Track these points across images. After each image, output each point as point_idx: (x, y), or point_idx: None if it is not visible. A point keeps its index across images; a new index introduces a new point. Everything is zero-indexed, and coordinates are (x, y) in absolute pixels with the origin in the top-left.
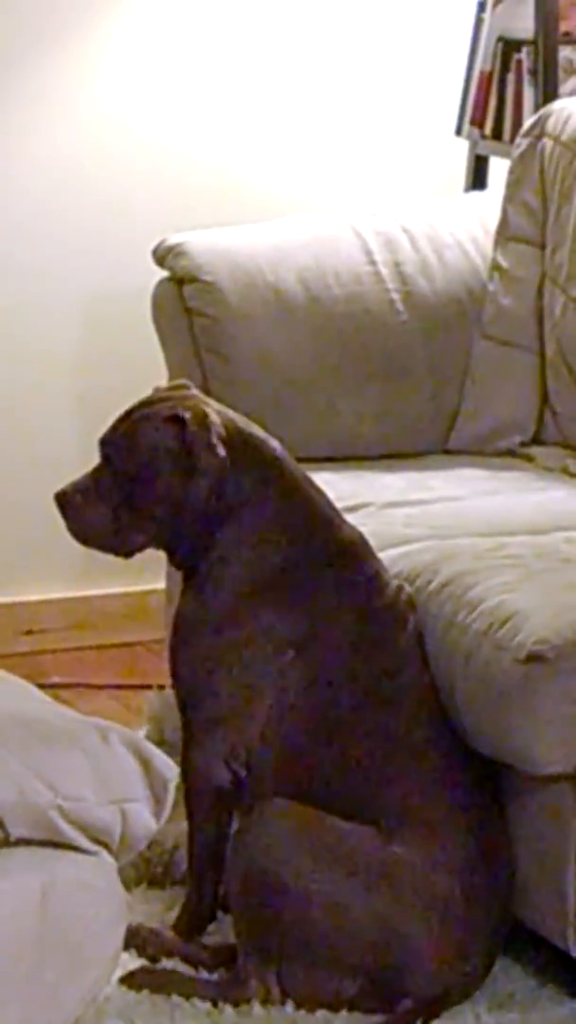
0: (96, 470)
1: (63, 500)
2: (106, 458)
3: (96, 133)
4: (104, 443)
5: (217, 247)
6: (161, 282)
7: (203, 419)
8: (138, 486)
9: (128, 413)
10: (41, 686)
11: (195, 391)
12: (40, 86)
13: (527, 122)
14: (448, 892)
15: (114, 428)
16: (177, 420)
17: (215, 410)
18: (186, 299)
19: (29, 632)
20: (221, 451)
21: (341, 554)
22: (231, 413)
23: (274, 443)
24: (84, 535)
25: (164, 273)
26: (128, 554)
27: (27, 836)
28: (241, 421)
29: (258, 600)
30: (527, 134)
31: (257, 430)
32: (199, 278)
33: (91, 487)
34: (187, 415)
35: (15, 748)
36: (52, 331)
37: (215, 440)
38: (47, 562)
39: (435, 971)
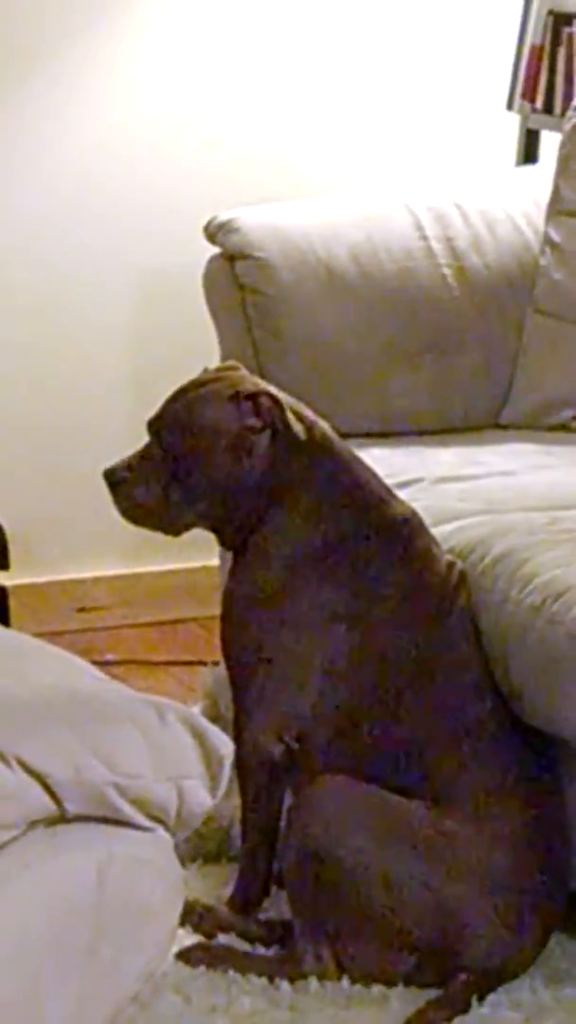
0: (146, 449)
1: (112, 478)
2: (157, 437)
3: (148, 109)
4: (156, 423)
5: (269, 223)
6: (213, 259)
7: (275, 398)
8: (192, 465)
9: (180, 393)
10: (95, 663)
11: (245, 371)
12: (91, 61)
13: None
14: (503, 866)
15: (167, 408)
16: (243, 399)
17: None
18: (238, 275)
19: (83, 609)
20: (299, 427)
21: (391, 529)
22: (282, 394)
23: (323, 423)
24: (133, 513)
25: (216, 250)
26: (177, 532)
27: (84, 813)
28: (292, 401)
29: (307, 574)
30: None
31: (307, 410)
32: (251, 254)
33: (140, 465)
34: (260, 394)
35: (71, 725)
36: (104, 308)
37: (290, 417)
38: (100, 539)
39: (491, 945)
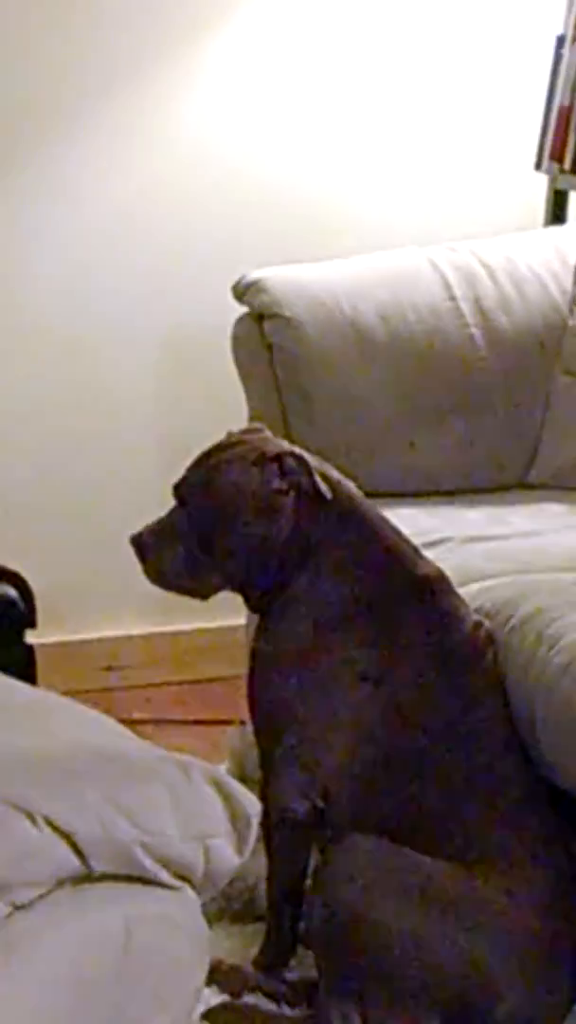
0: (172, 513)
1: (139, 544)
2: (182, 501)
3: (175, 169)
4: (181, 487)
5: (297, 282)
6: (241, 318)
7: (302, 459)
8: (219, 529)
9: (205, 456)
10: (122, 722)
11: (269, 433)
12: (119, 121)
13: None
14: (530, 926)
15: (192, 471)
16: (268, 461)
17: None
18: (266, 335)
19: (110, 668)
20: (327, 488)
21: (419, 590)
22: (307, 455)
23: (349, 483)
24: (161, 578)
25: (244, 309)
26: (206, 596)
27: (110, 871)
28: (317, 462)
29: (335, 634)
30: None
31: (333, 471)
32: (279, 314)
33: (167, 530)
34: (285, 455)
35: (98, 783)
36: (131, 368)
37: (316, 478)
38: (127, 598)
39: (518, 1006)
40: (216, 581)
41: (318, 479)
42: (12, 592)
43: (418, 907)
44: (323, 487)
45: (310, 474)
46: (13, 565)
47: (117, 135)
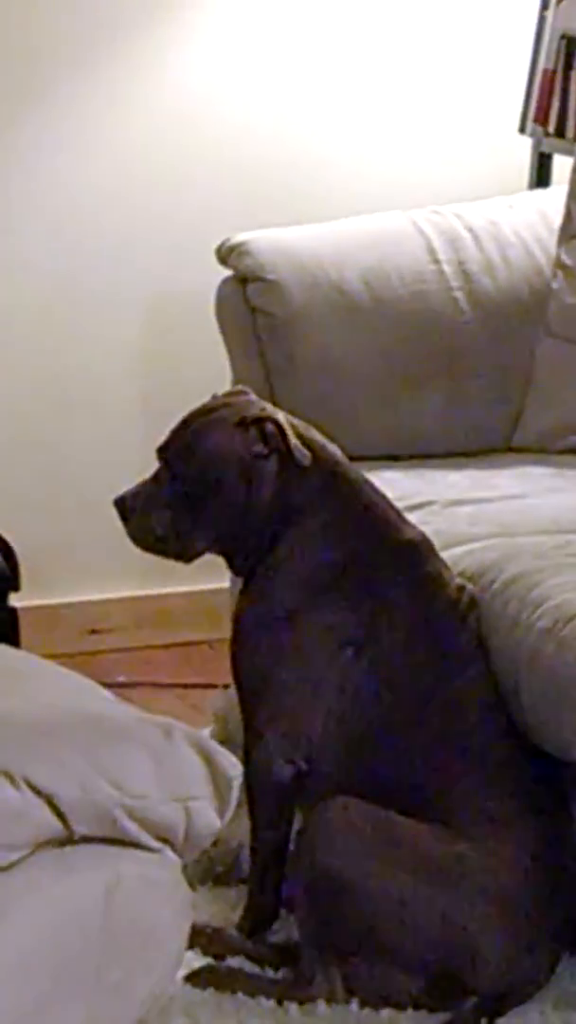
0: (155, 476)
1: (123, 507)
2: (166, 464)
3: (161, 131)
4: (165, 450)
5: (281, 246)
6: (225, 281)
7: (279, 424)
8: (201, 492)
9: (188, 420)
10: (106, 685)
11: (254, 396)
12: (109, 83)
13: None
14: (513, 890)
15: (175, 435)
16: (248, 425)
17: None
18: (250, 298)
19: (94, 631)
20: (303, 453)
21: (402, 554)
22: (292, 418)
23: (333, 447)
24: (144, 541)
25: (227, 272)
26: (189, 559)
27: (91, 834)
28: (302, 426)
29: (318, 599)
30: None
31: (317, 434)
32: (263, 277)
33: (151, 493)
34: (265, 420)
35: (79, 746)
36: (116, 331)
37: (295, 443)
38: (112, 561)
39: (500, 969)
40: (199, 544)
41: (295, 444)
42: None
43: (401, 869)
44: (298, 453)
45: (286, 439)
46: None
47: (97, 102)
